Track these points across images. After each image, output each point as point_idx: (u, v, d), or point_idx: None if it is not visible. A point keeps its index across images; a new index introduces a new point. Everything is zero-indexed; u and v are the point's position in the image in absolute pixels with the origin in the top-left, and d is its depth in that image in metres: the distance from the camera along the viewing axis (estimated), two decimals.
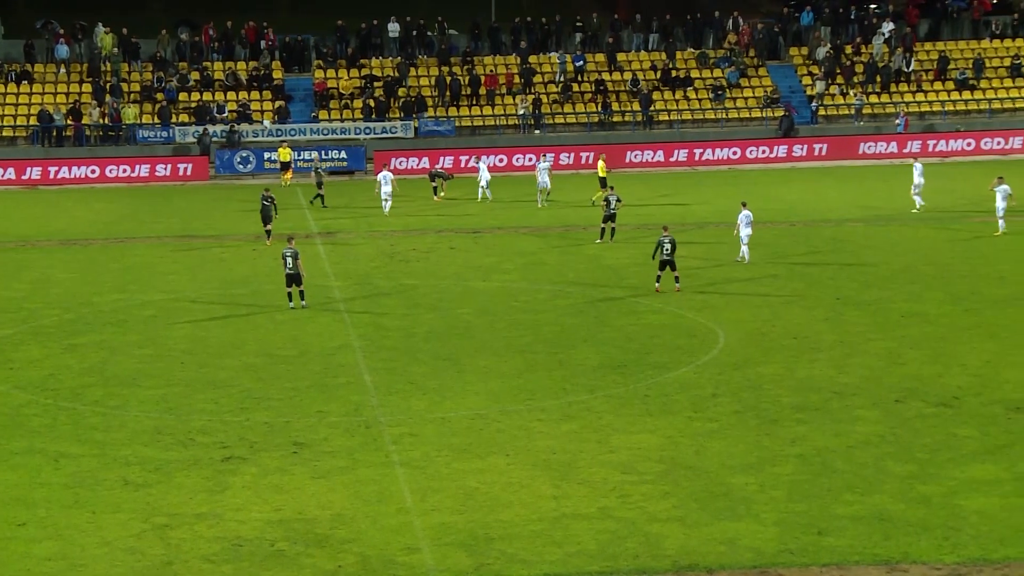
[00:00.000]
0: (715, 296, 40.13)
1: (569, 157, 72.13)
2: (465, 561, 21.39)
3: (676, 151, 73.43)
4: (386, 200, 56.43)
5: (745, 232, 44.29)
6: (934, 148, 74.99)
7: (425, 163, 69.58)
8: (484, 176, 60.67)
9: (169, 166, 70.81)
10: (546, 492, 24.22)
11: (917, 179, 55.00)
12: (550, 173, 58.70)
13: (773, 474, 24.94)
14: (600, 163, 59.90)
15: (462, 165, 70.13)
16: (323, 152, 71.66)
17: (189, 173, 70.54)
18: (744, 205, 44.78)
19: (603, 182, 58.32)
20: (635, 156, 72.54)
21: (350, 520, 23.11)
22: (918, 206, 54.77)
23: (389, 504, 23.82)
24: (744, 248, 44.52)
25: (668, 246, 39.91)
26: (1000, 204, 48.89)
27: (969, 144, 75.34)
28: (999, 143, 75.44)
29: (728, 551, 21.59)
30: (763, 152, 74.11)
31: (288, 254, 38.85)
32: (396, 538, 22.33)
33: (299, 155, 69.43)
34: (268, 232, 49.66)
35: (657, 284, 40.32)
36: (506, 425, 28.17)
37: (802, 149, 74.23)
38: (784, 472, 25.04)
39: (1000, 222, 48.84)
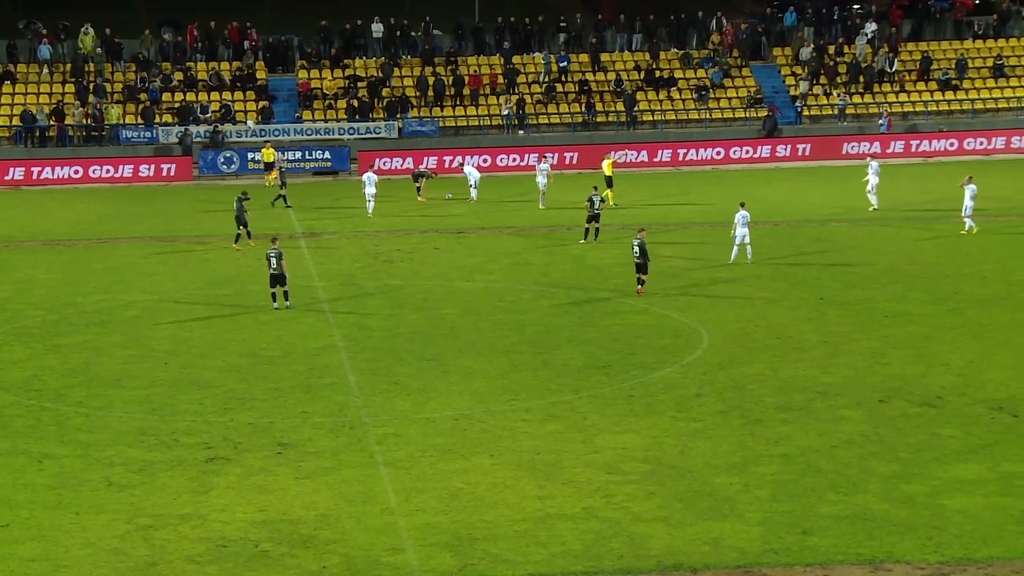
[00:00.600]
0: (699, 296, 40.18)
1: (553, 158, 72.05)
2: (450, 561, 21.39)
3: (660, 151, 73.46)
4: (369, 201, 56.41)
5: (741, 232, 44.18)
6: (917, 148, 75.21)
7: (409, 163, 69.58)
8: (473, 176, 60.69)
9: (152, 166, 70.62)
10: (531, 492, 24.23)
11: (872, 178, 55.35)
12: (549, 175, 57.98)
13: (757, 474, 24.98)
14: (606, 162, 59.55)
15: (446, 165, 70.17)
16: (307, 152, 71.63)
17: (172, 174, 70.37)
18: (742, 205, 44.68)
19: (609, 181, 58.23)
20: (619, 156, 72.44)
21: (334, 521, 23.09)
22: (873, 206, 55.23)
23: (374, 504, 23.82)
24: (737, 249, 44.24)
25: (637, 249, 39.72)
26: (968, 203, 49.25)
27: (952, 144, 75.53)
28: (982, 143, 75.65)
29: (712, 551, 21.63)
30: (747, 152, 74.19)
31: (272, 254, 38.81)
32: (381, 538, 22.32)
33: (283, 155, 69.41)
34: (248, 234, 49.29)
35: (638, 287, 40.24)
36: (490, 425, 28.17)
37: (785, 149, 74.34)
38: (768, 472, 25.08)
39: (968, 221, 49.25)
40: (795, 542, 21.91)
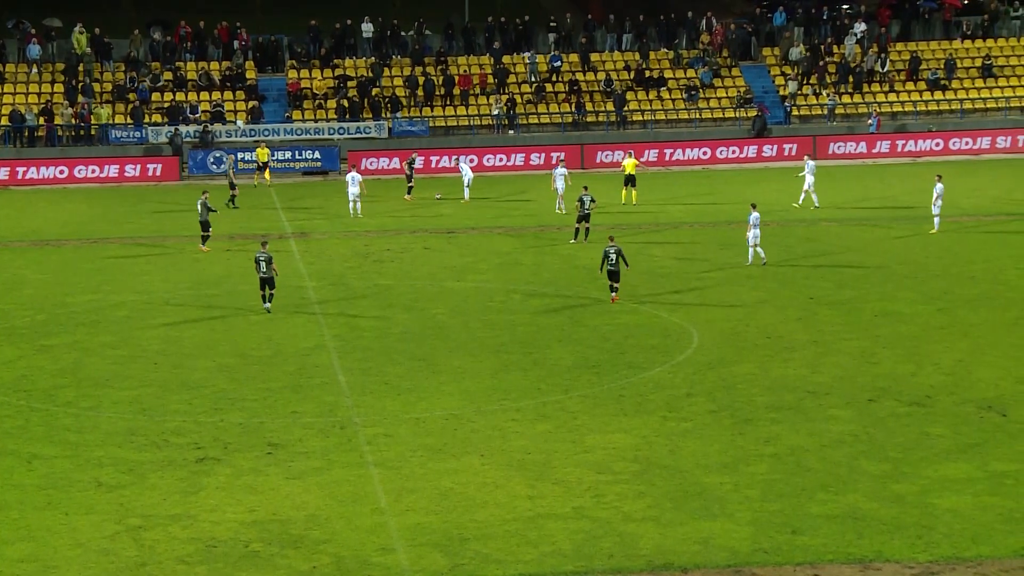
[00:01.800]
0: (689, 296, 40.21)
1: (539, 157, 72.25)
2: (440, 561, 21.39)
3: (649, 151, 73.49)
4: (354, 202, 56.05)
5: (753, 233, 44.01)
6: (904, 148, 75.34)
7: (398, 164, 69.58)
8: (467, 175, 60.60)
9: (138, 166, 70.48)
10: (521, 492, 24.24)
11: (808, 177, 55.86)
12: (566, 179, 56.46)
13: (747, 473, 25.01)
14: (628, 161, 59.22)
15: (433, 165, 70.26)
16: (297, 152, 71.60)
17: (161, 173, 70.24)
18: (753, 207, 44.35)
19: (631, 180, 58.02)
20: (608, 156, 72.59)
21: (325, 521, 23.08)
22: (800, 203, 56.06)
23: (364, 504, 23.81)
24: (757, 250, 44.01)
25: (613, 256, 38.86)
26: (936, 202, 49.65)
27: (939, 144, 75.69)
28: (970, 143, 75.80)
29: (702, 550, 21.65)
30: (736, 152, 74.28)
31: (261, 258, 38.62)
32: (371, 538, 22.32)
33: (274, 155, 69.59)
34: (203, 239, 48.83)
35: (612, 295, 39.36)
36: (481, 425, 28.17)
37: (775, 149, 74.44)
38: (758, 471, 25.11)
39: (935, 219, 49.85)
40: (785, 541, 21.93)
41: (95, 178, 69.74)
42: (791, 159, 73.57)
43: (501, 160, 72.25)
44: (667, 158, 73.46)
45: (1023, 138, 75.91)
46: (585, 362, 32.98)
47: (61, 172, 69.70)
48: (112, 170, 70.07)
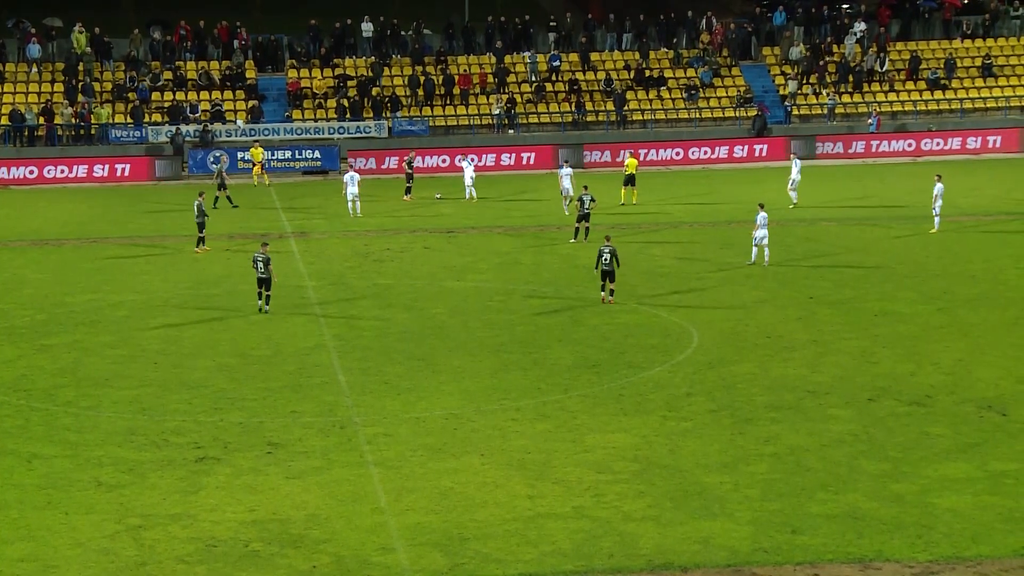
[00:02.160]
0: (689, 296, 40.21)
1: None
2: (440, 561, 21.39)
3: (650, 151, 73.50)
4: (353, 201, 56.00)
5: (761, 233, 43.85)
6: (906, 148, 75.33)
7: (396, 163, 69.63)
8: (469, 175, 60.59)
9: (142, 166, 70.50)
10: (521, 492, 24.24)
11: (795, 175, 56.06)
12: (572, 179, 56.08)
13: (747, 473, 25.01)
14: (630, 160, 59.20)
15: (425, 164, 70.26)
16: (297, 152, 71.61)
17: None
18: (761, 207, 44.10)
19: (631, 180, 58.03)
20: (608, 156, 72.57)
21: (324, 520, 23.08)
22: (793, 202, 56.32)
23: (364, 504, 23.81)
24: (764, 250, 43.85)
25: (607, 256, 38.59)
26: (936, 202, 49.69)
27: (940, 144, 75.70)
28: (969, 143, 75.80)
29: (702, 550, 21.65)
30: (736, 152, 74.28)
31: (259, 258, 38.53)
32: (371, 538, 22.32)
33: (274, 155, 69.65)
34: (200, 239, 48.75)
35: (603, 295, 39.13)
36: (480, 425, 28.17)
37: (775, 148, 74.39)
38: (758, 471, 25.11)
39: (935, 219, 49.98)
40: (785, 541, 21.93)
41: (98, 177, 69.74)
42: (783, 159, 73.57)
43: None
44: (669, 158, 73.41)
45: (1023, 138, 75.98)
46: (585, 362, 32.98)
47: (61, 171, 69.69)
48: (115, 169, 69.95)
